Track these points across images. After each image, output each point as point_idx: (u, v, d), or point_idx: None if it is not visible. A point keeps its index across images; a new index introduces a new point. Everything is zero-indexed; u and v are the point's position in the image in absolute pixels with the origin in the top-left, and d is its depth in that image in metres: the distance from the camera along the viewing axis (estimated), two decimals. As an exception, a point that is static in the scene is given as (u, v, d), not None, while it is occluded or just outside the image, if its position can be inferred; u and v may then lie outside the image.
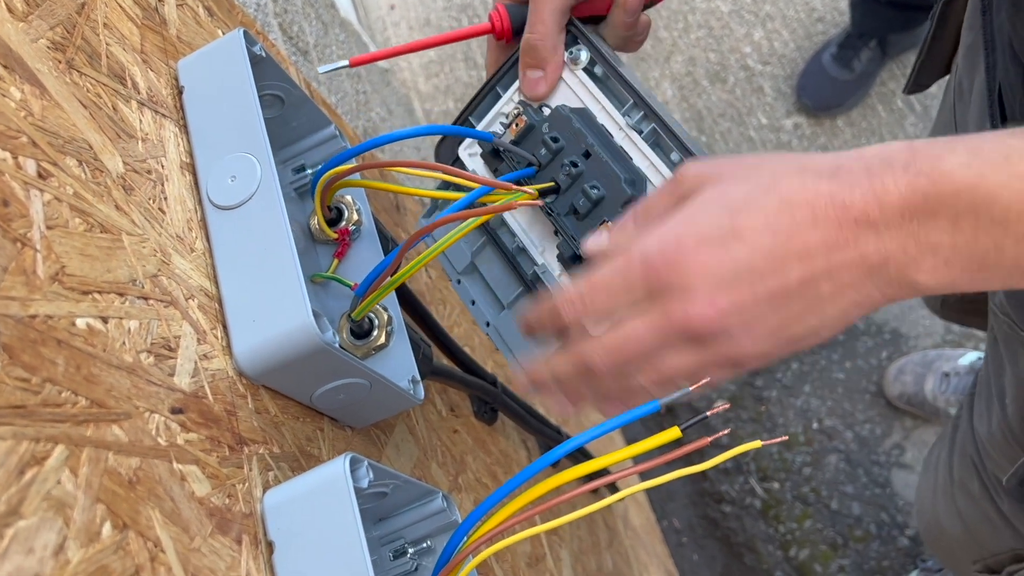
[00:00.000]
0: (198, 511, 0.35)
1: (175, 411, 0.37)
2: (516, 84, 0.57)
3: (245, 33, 0.50)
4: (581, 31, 0.54)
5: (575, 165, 0.51)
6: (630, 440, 1.74)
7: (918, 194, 0.37)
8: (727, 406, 0.45)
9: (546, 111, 0.55)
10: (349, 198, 0.59)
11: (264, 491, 0.40)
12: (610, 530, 1.21)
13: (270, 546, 0.39)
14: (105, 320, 0.35)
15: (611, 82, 0.53)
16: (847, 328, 0.42)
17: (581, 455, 1.03)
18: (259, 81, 0.52)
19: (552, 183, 0.52)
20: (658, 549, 1.57)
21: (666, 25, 2.09)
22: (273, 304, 0.43)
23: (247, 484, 0.39)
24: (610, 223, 0.50)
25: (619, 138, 0.52)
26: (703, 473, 1.75)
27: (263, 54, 0.51)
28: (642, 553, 1.39)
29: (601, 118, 0.53)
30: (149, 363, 0.36)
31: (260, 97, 0.53)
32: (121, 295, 0.37)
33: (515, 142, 0.54)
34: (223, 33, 0.60)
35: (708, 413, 0.44)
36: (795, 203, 0.39)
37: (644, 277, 0.41)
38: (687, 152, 0.48)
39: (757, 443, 0.43)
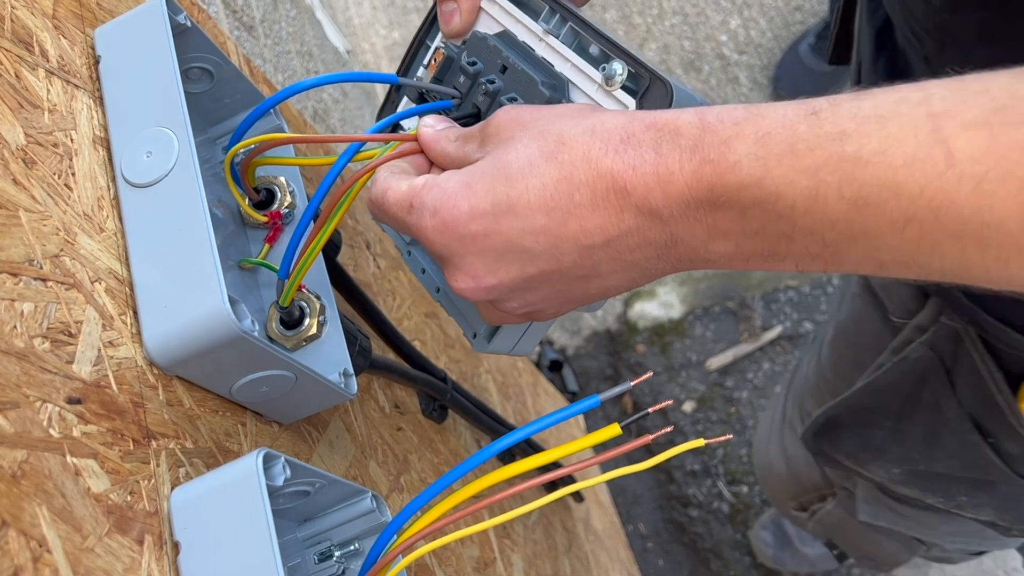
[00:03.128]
0: (94, 508, 0.34)
1: (72, 401, 0.35)
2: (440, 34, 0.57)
3: (168, 1, 0.49)
4: None
5: (492, 82, 0.51)
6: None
7: (703, 184, 0.36)
8: (671, 403, 0.44)
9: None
10: (283, 179, 0.58)
11: (173, 488, 0.39)
12: (569, 533, 1.21)
13: (176, 547, 0.37)
14: (-7, 302, 0.34)
15: (530, 0, 0.53)
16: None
17: (530, 448, 1.02)
18: (184, 53, 0.51)
19: (474, 109, 0.52)
20: (622, 554, 1.57)
21: (640, 11, 2.09)
22: (187, 289, 0.42)
23: (153, 481, 0.38)
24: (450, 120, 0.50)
25: (541, 49, 0.52)
26: (669, 476, 1.75)
27: (188, 24, 0.50)
28: (604, 558, 1.39)
29: (522, 36, 0.53)
30: (44, 349, 0.35)
31: (186, 70, 0.52)
32: (14, 275, 0.35)
33: (437, 78, 0.55)
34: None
35: (649, 410, 0.44)
36: (575, 181, 0.39)
37: (417, 233, 0.43)
38: (606, 42, 0.47)
39: (700, 441, 0.43)
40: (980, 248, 0.31)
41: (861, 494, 0.91)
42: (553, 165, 0.39)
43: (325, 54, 1.17)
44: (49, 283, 0.37)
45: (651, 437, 0.44)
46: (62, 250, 0.39)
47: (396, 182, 0.44)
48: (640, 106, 0.45)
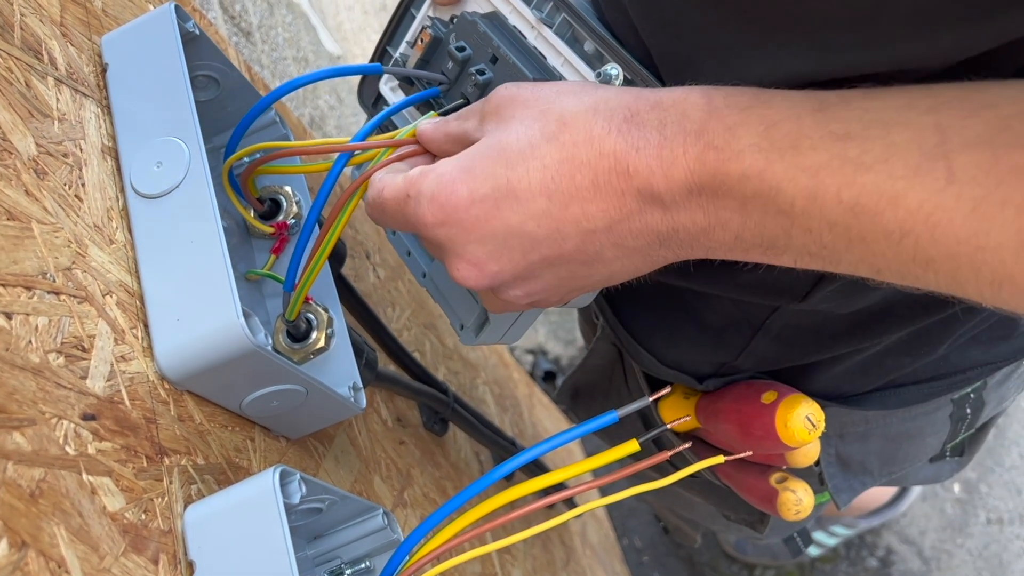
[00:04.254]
0: (110, 528, 0.34)
1: (87, 417, 0.35)
2: (427, 1, 0.55)
3: (177, 8, 0.49)
4: None
5: (482, 73, 0.49)
6: (590, 453, 1.74)
7: (706, 171, 0.36)
8: (688, 417, 0.45)
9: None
10: (288, 189, 0.58)
11: (185, 506, 0.39)
12: (566, 548, 1.21)
13: (191, 566, 0.37)
14: (9, 316, 0.33)
15: None
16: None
17: (536, 468, 1.02)
18: (192, 61, 0.51)
19: (463, 99, 0.51)
20: (617, 568, 1.57)
21: None
22: (199, 302, 0.42)
23: (166, 498, 0.38)
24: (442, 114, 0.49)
25: (532, 37, 0.50)
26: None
27: (196, 32, 0.50)
28: (600, 572, 1.39)
29: (513, 19, 0.51)
30: (59, 364, 0.35)
31: (193, 78, 0.52)
32: (29, 289, 0.35)
33: (423, 60, 0.53)
34: (154, 8, 0.59)
35: (668, 426, 0.44)
36: (576, 162, 0.38)
37: (415, 224, 0.41)
38: (601, 40, 0.46)
39: (719, 458, 0.43)
40: (974, 270, 0.31)
41: None
42: (555, 146, 0.39)
43: (320, 60, 1.17)
44: (62, 296, 0.37)
45: (668, 454, 0.44)
46: (74, 263, 0.39)
47: (392, 179, 0.43)
48: None
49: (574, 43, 0.49)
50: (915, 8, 0.32)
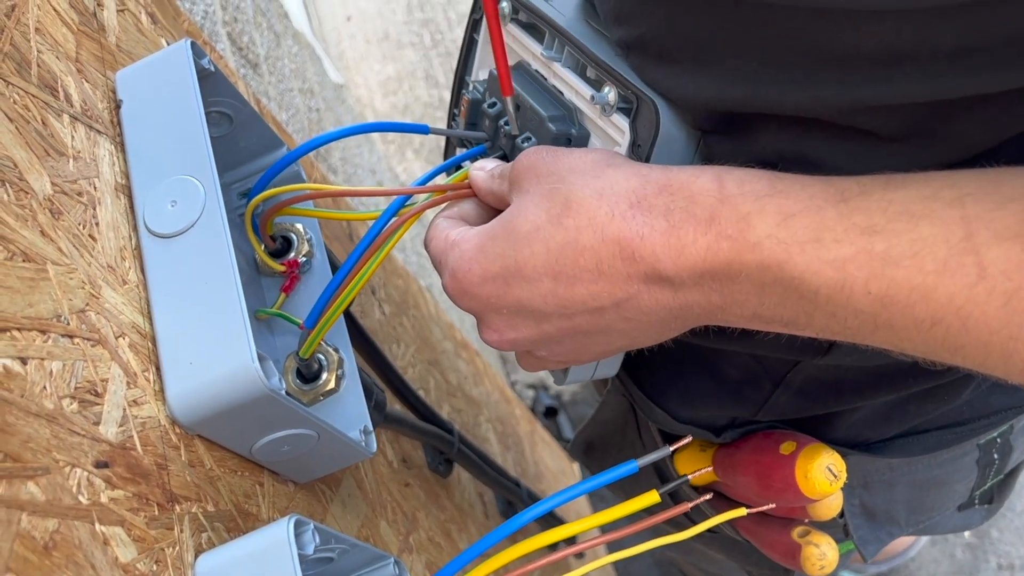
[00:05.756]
0: (121, 579, 0.34)
1: (100, 465, 0.35)
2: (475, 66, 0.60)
3: (192, 44, 0.49)
4: None
5: (508, 123, 0.52)
6: (594, 503, 1.73)
7: (720, 259, 0.36)
8: (707, 469, 0.45)
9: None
10: (300, 226, 0.58)
11: (196, 555, 0.39)
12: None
13: (201, 619, 0.37)
14: (24, 361, 0.33)
15: (536, 23, 0.53)
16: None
17: (550, 517, 1.02)
18: (206, 97, 0.51)
19: (501, 153, 0.54)
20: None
21: None
22: (213, 345, 0.42)
23: (177, 548, 0.38)
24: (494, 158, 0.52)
25: (550, 77, 0.53)
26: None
27: (212, 68, 0.50)
28: (603, 617, 1.38)
29: (535, 64, 0.54)
30: (72, 410, 0.35)
31: (207, 115, 0.52)
32: (43, 332, 0.35)
33: (470, 123, 0.57)
34: (167, 43, 0.59)
35: (688, 477, 0.44)
36: (579, 246, 0.40)
37: (444, 289, 0.46)
38: (596, 64, 0.48)
39: (741, 511, 0.43)
40: (1004, 358, 0.32)
41: None
42: (559, 229, 0.40)
43: (326, 91, 1.17)
44: (76, 340, 0.37)
45: (688, 506, 0.44)
46: (88, 304, 0.39)
47: (439, 232, 0.47)
48: (633, 129, 0.45)
49: (582, 74, 0.50)
50: (957, 47, 0.33)
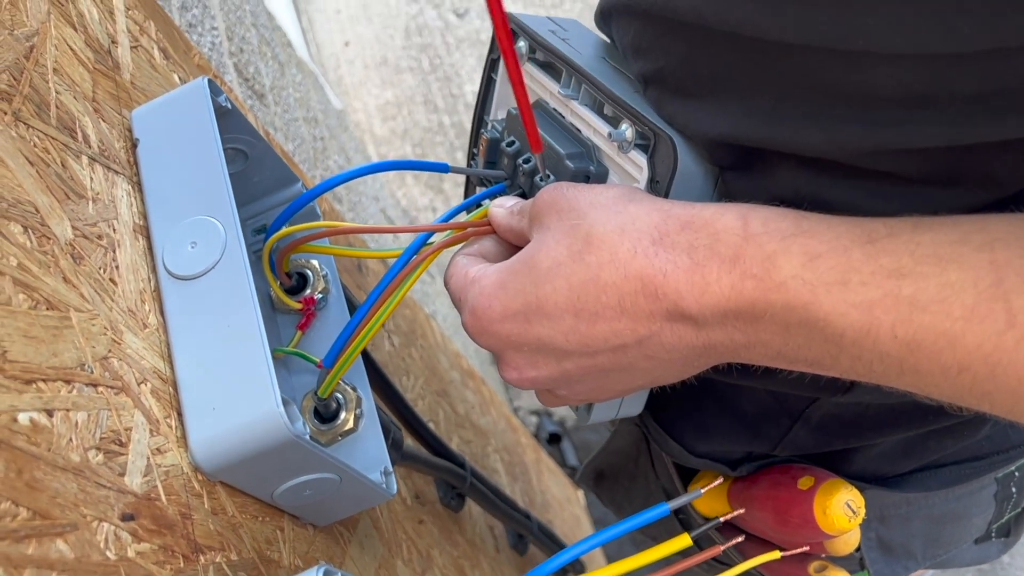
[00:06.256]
0: (149, 637, 0.33)
1: (126, 518, 0.34)
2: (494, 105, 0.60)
3: (210, 82, 0.49)
4: (516, 22, 0.55)
5: (527, 161, 0.52)
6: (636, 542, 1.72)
7: (744, 299, 0.36)
8: (742, 511, 0.44)
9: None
10: (315, 263, 0.57)
11: (221, 608, 0.38)
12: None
13: (228, 674, 0.36)
14: (50, 413, 0.33)
15: (553, 62, 0.53)
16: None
17: (554, 544, 1.01)
18: (222, 134, 0.51)
19: (520, 191, 0.54)
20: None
21: None
22: (236, 390, 0.41)
23: (203, 601, 0.37)
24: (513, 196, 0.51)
25: (568, 115, 0.52)
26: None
27: (228, 106, 0.50)
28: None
29: (552, 102, 0.54)
30: (98, 462, 0.34)
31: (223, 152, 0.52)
32: (68, 383, 0.34)
33: (489, 161, 0.57)
34: (179, 78, 0.59)
35: (722, 519, 0.43)
36: (601, 283, 0.39)
37: (466, 326, 0.45)
38: (612, 100, 0.47)
39: (775, 554, 0.42)
40: None
41: None
42: (580, 266, 0.40)
43: (329, 119, 1.17)
44: (100, 388, 0.36)
45: (721, 548, 0.43)
46: (110, 351, 0.38)
47: (459, 269, 0.47)
48: (651, 165, 0.45)
49: (599, 111, 0.50)
50: (978, 92, 0.33)
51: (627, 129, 0.46)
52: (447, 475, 0.75)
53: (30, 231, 0.36)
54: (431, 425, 0.84)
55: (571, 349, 0.41)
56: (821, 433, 0.55)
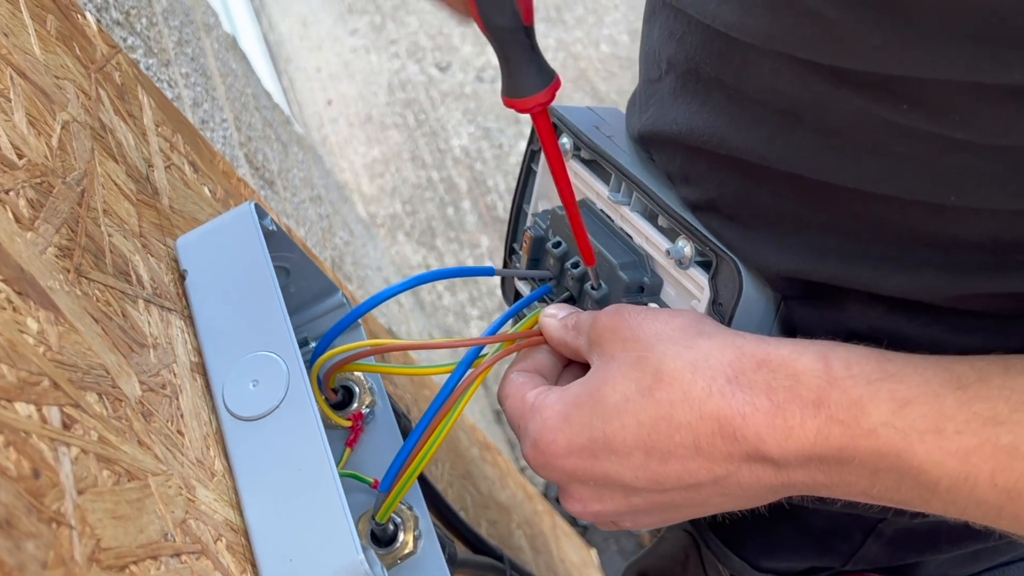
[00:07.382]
0: None
1: None
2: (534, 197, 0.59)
3: (256, 207, 0.48)
4: (558, 115, 0.54)
5: (576, 266, 0.52)
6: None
7: (830, 444, 0.35)
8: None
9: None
10: (360, 375, 0.57)
11: None
12: None
13: None
14: (145, 599, 0.32)
15: (599, 161, 0.53)
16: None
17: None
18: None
19: (568, 292, 0.53)
20: None
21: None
22: (312, 539, 0.40)
23: None
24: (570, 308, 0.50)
25: (618, 219, 0.52)
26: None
27: (274, 227, 0.50)
28: None
29: (600, 204, 0.53)
30: (191, 642, 0.33)
31: (268, 274, 0.51)
32: (155, 559, 0.33)
33: (533, 259, 0.56)
34: (209, 190, 0.58)
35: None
36: (674, 422, 0.38)
37: (527, 457, 0.44)
38: (669, 215, 0.47)
39: None
40: None
41: None
42: (651, 403, 0.39)
43: (331, 193, 1.17)
44: (183, 557, 0.35)
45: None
46: (187, 512, 0.37)
47: (516, 389, 0.46)
48: (713, 287, 0.45)
49: (652, 220, 0.50)
50: None
51: (685, 246, 0.46)
52: (488, 571, 0.74)
53: (104, 397, 0.36)
54: (462, 514, 0.83)
55: (640, 486, 0.40)
56: (894, 547, 0.54)
